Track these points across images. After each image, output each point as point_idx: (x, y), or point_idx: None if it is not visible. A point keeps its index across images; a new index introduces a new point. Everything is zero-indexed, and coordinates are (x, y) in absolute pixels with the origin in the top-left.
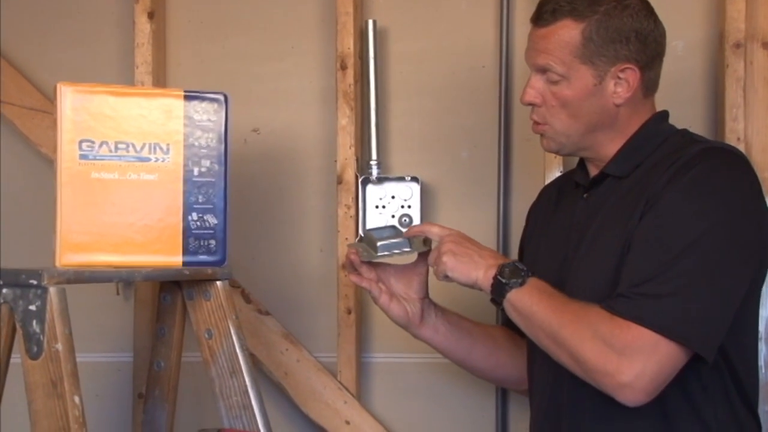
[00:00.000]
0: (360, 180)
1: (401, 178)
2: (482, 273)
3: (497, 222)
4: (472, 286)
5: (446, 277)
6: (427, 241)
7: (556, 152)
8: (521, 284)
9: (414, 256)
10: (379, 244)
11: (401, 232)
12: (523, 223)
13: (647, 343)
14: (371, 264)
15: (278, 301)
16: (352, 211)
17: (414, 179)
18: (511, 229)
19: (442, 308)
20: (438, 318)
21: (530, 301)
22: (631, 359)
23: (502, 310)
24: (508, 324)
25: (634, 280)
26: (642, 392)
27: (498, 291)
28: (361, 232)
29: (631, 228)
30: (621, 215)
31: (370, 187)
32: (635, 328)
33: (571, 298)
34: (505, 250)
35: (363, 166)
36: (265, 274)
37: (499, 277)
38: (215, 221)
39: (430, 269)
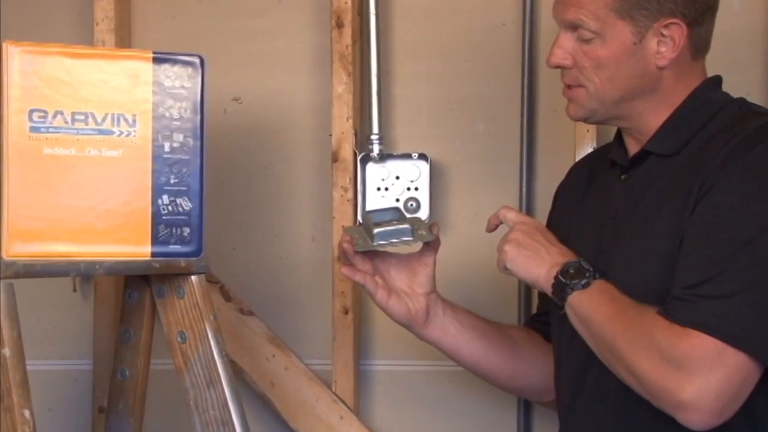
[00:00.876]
0: (359, 158)
1: (407, 156)
2: (545, 271)
3: (519, 207)
4: (533, 284)
5: (506, 269)
6: (433, 228)
7: (585, 120)
8: (584, 286)
9: (418, 246)
10: (376, 231)
11: (405, 216)
12: (549, 209)
13: (709, 352)
14: (367, 254)
15: (263, 298)
16: (350, 194)
17: (422, 157)
18: (534, 215)
19: (452, 305)
20: (446, 316)
21: (590, 306)
22: (691, 373)
23: (564, 315)
24: (532, 324)
25: (690, 281)
26: (708, 412)
27: (559, 293)
28: (359, 216)
29: (683, 218)
30: (670, 202)
31: (370, 166)
32: (695, 335)
33: (636, 301)
34: None
35: (362, 142)
36: (248, 267)
37: (560, 276)
38: (190, 205)
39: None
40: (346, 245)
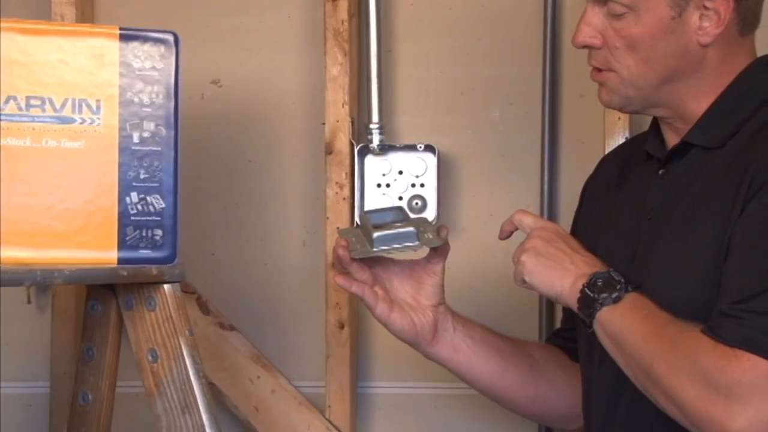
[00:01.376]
0: (357, 149)
1: (412, 148)
2: (569, 283)
3: (541, 206)
4: (555, 299)
5: (524, 282)
6: (442, 232)
7: (619, 108)
8: (615, 300)
9: (424, 252)
10: (375, 235)
11: (409, 217)
12: (573, 207)
13: (762, 377)
14: (366, 261)
15: (246, 311)
16: (346, 192)
17: (429, 149)
18: (558, 215)
19: (463, 319)
20: (457, 332)
21: (622, 324)
22: (742, 400)
23: (593, 333)
24: (555, 341)
25: (739, 294)
26: None
27: (586, 309)
28: (357, 217)
29: (729, 221)
30: (714, 202)
31: (370, 160)
32: (745, 358)
33: (675, 316)
34: None
35: (360, 131)
36: (229, 275)
37: (587, 289)
38: (162, 204)
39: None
40: (341, 251)
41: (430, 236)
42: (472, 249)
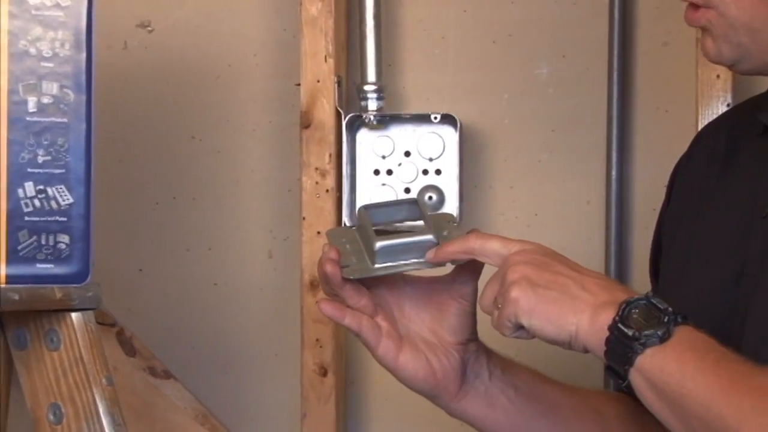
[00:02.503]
0: (345, 121)
1: (423, 119)
2: (587, 318)
3: (607, 200)
4: (568, 343)
5: (520, 329)
6: None
7: (731, 65)
8: (663, 339)
9: (448, 268)
10: (378, 245)
11: (428, 215)
12: (654, 201)
13: None
14: (363, 281)
15: (188, 351)
16: (330, 181)
17: (447, 120)
18: (632, 212)
19: (504, 361)
20: (495, 380)
21: (681, 372)
22: None
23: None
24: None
25: None
26: None
27: (618, 353)
28: (345, 217)
29: None
30: None
31: (364, 136)
32: None
33: (757, 362)
34: (621, 258)
35: (351, 96)
36: (163, 300)
37: (620, 325)
38: (69, 199)
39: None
40: (329, 267)
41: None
42: None
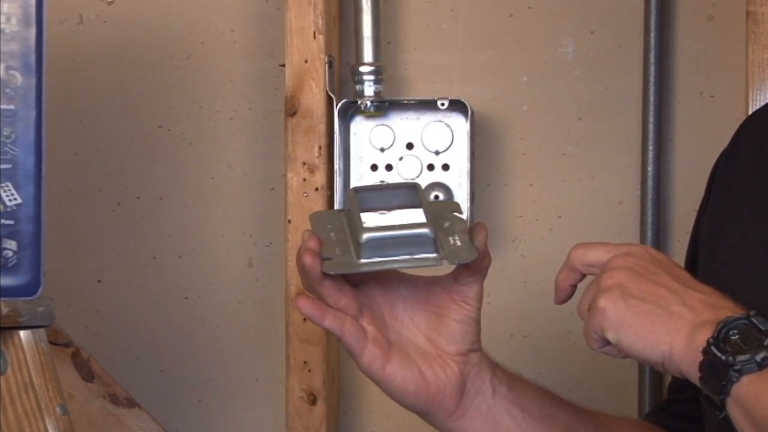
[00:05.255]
0: (338, 108)
1: (429, 105)
2: (683, 338)
3: (642, 197)
4: (661, 365)
5: (605, 344)
6: (478, 234)
7: None
8: (762, 365)
9: (449, 267)
10: (365, 237)
11: (425, 202)
12: (697, 201)
13: None
14: (347, 277)
15: (155, 375)
16: (320, 178)
17: (456, 106)
18: (671, 212)
19: (510, 376)
20: (499, 397)
21: None
22: None
23: (724, 418)
24: (661, 419)
25: None
26: None
27: (713, 380)
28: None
29: None
30: None
31: (360, 125)
32: None
33: None
34: None
35: (345, 78)
36: (126, 316)
37: (713, 348)
38: (17, 199)
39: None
40: (307, 259)
41: (458, 242)
42: (528, 271)
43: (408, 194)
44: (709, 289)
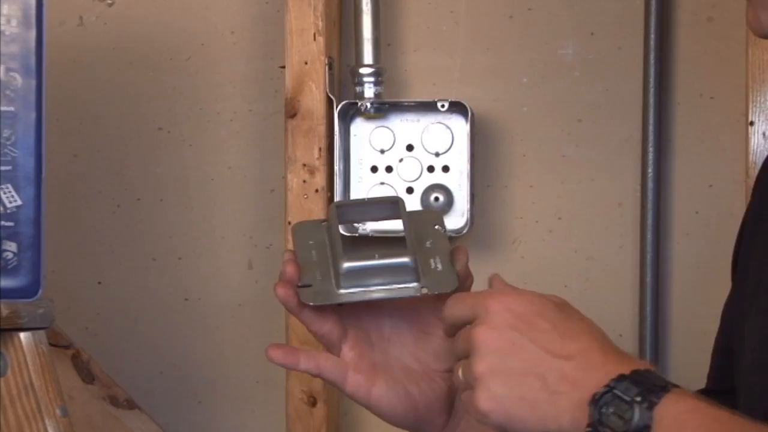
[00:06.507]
0: (338, 110)
1: (428, 107)
2: (568, 422)
3: (642, 202)
4: None
5: (483, 417)
6: (457, 258)
7: None
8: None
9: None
10: (345, 266)
11: (405, 220)
12: (698, 202)
13: None
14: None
15: (155, 377)
16: (320, 179)
17: (456, 108)
18: (671, 217)
19: None
20: None
21: None
22: None
23: None
24: None
25: None
26: None
27: None
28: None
29: None
30: None
31: (360, 127)
32: None
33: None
34: (658, 270)
35: (345, 80)
36: (126, 317)
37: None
38: (17, 201)
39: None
40: (280, 291)
41: (439, 266)
42: (528, 273)
43: (391, 209)
44: (584, 334)
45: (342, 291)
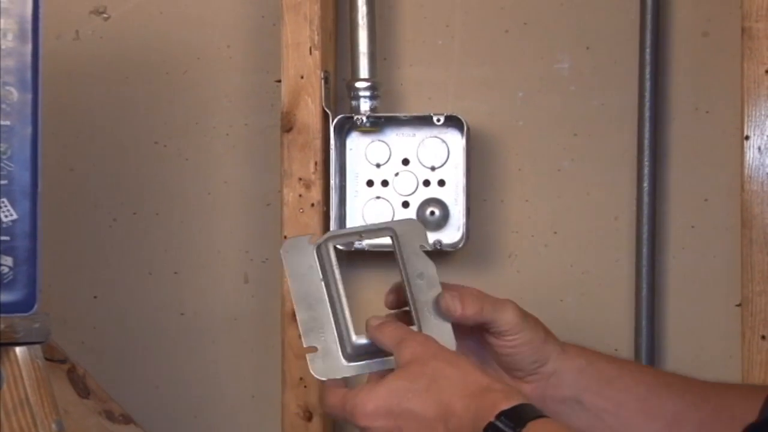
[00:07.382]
0: (333, 124)
1: (424, 120)
2: None
3: (638, 216)
4: None
5: None
6: (447, 305)
7: None
8: None
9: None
10: (356, 343)
11: (400, 252)
12: (694, 216)
13: None
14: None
15: (151, 391)
16: (316, 193)
17: (452, 122)
18: (667, 231)
19: (606, 369)
20: (588, 399)
21: None
22: None
23: None
24: None
25: None
26: None
27: None
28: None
29: None
30: None
31: (356, 141)
32: None
33: None
34: (654, 284)
35: (340, 94)
36: (121, 332)
37: None
38: (13, 215)
39: None
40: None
41: (433, 320)
42: (523, 287)
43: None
44: (456, 389)
45: (350, 364)
